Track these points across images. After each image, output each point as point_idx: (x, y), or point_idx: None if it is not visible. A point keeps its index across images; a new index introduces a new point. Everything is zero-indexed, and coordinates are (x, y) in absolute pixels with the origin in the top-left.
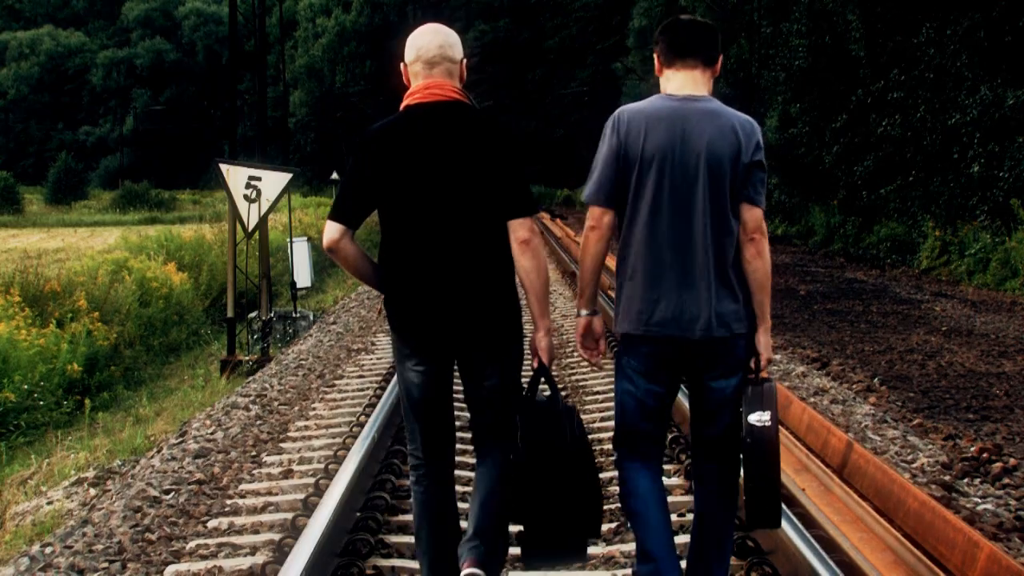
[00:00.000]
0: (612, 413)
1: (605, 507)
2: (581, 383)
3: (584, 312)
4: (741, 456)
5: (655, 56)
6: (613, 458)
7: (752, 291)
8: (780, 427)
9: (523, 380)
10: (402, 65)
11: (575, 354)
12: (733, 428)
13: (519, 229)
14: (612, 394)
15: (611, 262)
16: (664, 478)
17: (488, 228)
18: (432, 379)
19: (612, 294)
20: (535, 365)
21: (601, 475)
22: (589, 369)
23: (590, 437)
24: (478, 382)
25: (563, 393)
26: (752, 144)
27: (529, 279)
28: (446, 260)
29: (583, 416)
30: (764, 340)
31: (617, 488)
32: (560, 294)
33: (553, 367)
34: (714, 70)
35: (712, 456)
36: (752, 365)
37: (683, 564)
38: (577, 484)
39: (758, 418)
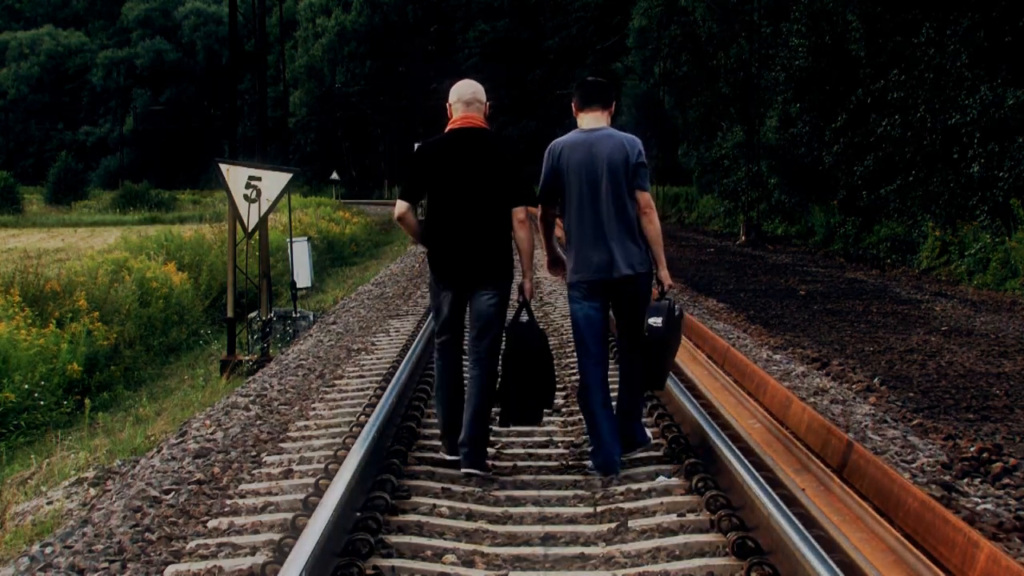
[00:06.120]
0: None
1: (605, 508)
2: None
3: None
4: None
5: (572, 104)
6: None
7: (649, 245)
8: (777, 424)
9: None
10: (448, 104)
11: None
12: (640, 331)
13: (519, 213)
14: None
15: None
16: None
17: (498, 210)
18: (455, 303)
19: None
20: (519, 300)
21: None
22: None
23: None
24: (483, 303)
25: (560, 388)
26: (635, 152)
27: (522, 245)
28: (471, 229)
29: None
30: (663, 274)
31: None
32: (562, 294)
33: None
34: (610, 111)
35: (631, 348)
36: (657, 291)
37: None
38: (542, 373)
39: (653, 321)
